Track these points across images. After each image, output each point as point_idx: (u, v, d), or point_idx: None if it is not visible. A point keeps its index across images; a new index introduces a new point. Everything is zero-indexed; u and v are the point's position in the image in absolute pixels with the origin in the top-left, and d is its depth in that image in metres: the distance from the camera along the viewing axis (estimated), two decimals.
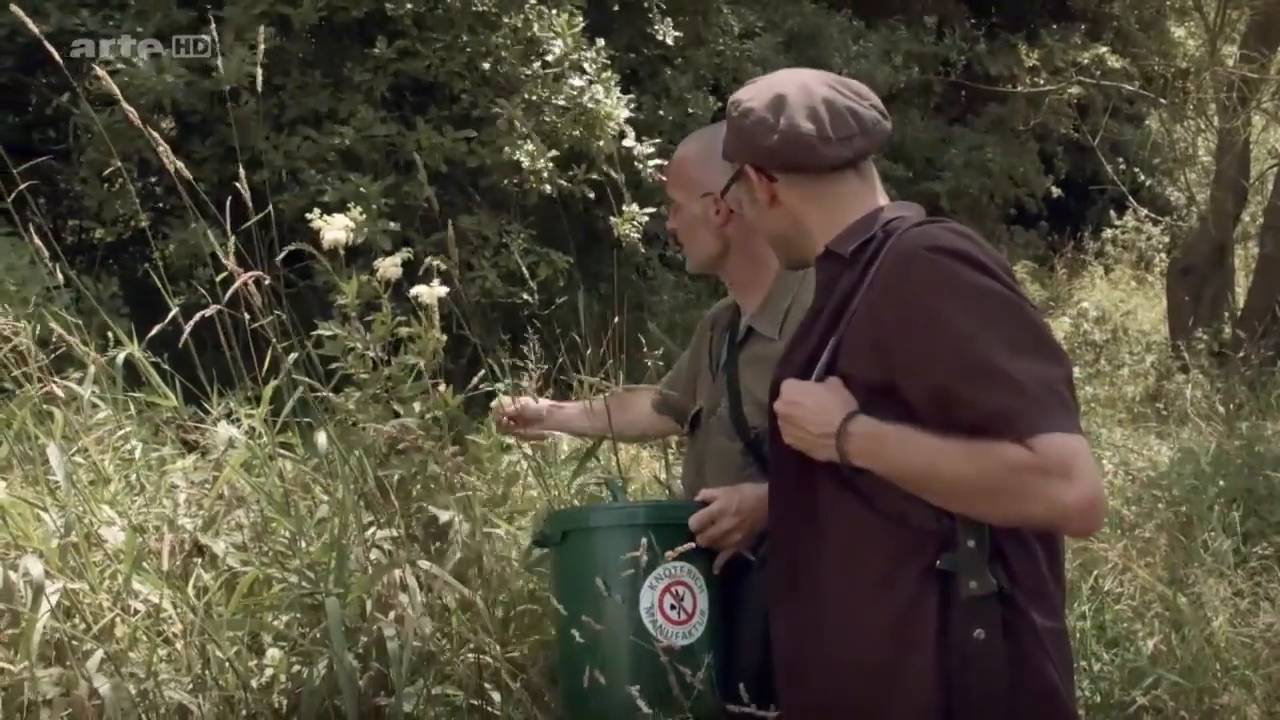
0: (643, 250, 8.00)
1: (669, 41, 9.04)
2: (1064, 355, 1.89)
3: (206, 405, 3.80)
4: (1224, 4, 9.89)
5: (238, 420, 3.71)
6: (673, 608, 2.40)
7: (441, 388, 3.43)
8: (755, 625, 2.37)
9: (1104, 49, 13.41)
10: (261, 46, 3.44)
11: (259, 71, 3.47)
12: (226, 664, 3.00)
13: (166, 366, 3.63)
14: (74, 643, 2.85)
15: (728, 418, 2.68)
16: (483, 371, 3.81)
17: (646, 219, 7.15)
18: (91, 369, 3.60)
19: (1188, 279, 10.98)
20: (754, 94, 2.16)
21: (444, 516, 3.24)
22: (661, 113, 9.08)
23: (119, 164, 3.80)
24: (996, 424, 1.80)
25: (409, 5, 7.12)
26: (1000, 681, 1.92)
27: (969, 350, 1.83)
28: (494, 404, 3.32)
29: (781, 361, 2.18)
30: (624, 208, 6.94)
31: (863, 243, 2.06)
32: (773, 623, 2.18)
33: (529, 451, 4.04)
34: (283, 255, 3.38)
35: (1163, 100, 12.70)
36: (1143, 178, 14.33)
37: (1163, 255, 14.44)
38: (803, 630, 2.09)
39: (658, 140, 8.16)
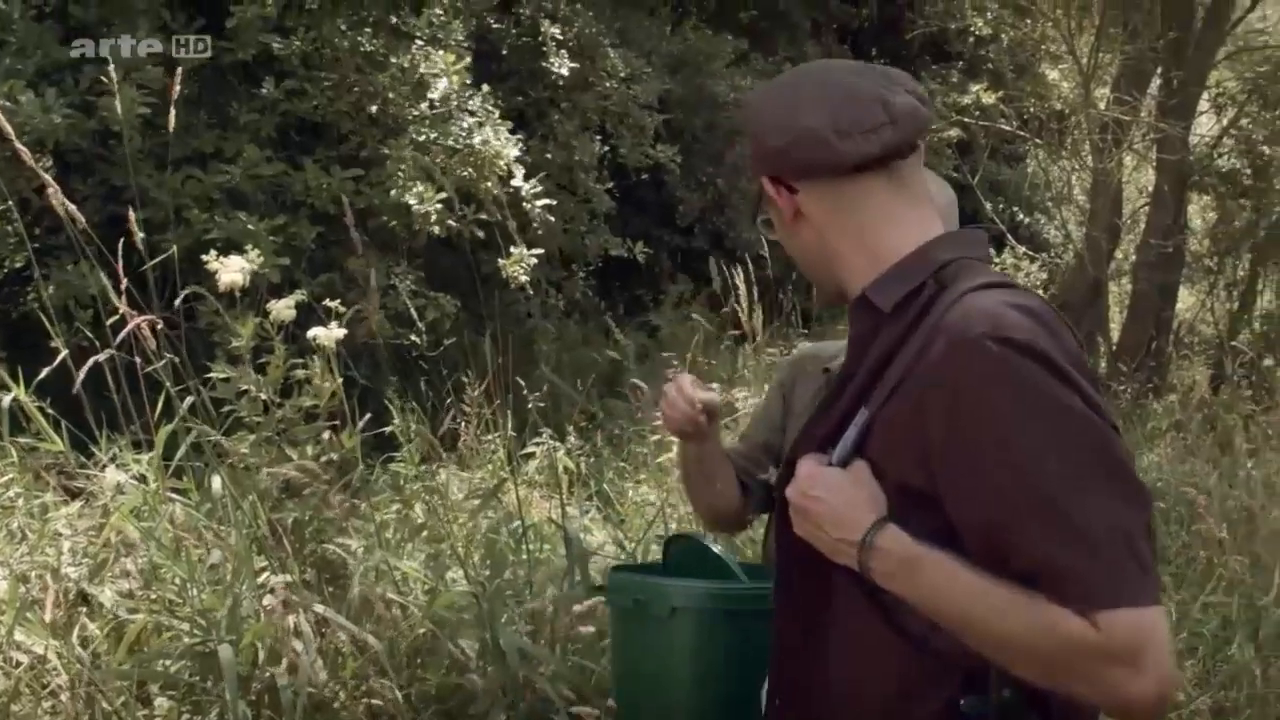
0: (529, 291, 8.00)
1: (565, 72, 9.09)
2: (1145, 493, 1.54)
3: (92, 450, 3.73)
4: (1096, 49, 10.19)
5: (126, 465, 3.65)
6: None
7: (335, 430, 3.41)
8: None
9: (979, 87, 13.73)
10: (178, 87, 3.41)
11: (172, 111, 3.44)
12: (113, 715, 2.94)
13: (50, 410, 3.55)
14: None
15: None
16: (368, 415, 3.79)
17: (534, 260, 7.18)
18: None
19: (1064, 313, 11.23)
20: (762, 95, 1.82)
21: (344, 555, 3.21)
22: (549, 155, 9.11)
23: (4, 204, 3.74)
24: (1057, 584, 1.47)
25: (296, 45, 7.08)
26: None
27: (1033, 483, 1.49)
28: (673, 385, 2.51)
29: (802, 434, 1.82)
30: (511, 249, 6.95)
31: (908, 294, 1.68)
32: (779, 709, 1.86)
33: (423, 493, 4.03)
34: (180, 297, 3.35)
35: (1039, 141, 13.02)
36: (1021, 216, 14.65)
37: (1040, 292, 14.77)
38: None
39: (544, 177, 8.19)
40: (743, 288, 6.94)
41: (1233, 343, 10.55)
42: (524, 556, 3.92)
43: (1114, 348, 11.07)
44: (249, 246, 4.75)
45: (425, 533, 3.93)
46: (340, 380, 3.44)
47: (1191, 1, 10.65)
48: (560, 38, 9.21)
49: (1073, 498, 1.48)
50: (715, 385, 6.75)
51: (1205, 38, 10.50)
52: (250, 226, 6.52)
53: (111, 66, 4.64)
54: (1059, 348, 1.57)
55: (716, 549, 2.36)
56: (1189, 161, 10.88)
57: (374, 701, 3.05)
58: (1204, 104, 11.82)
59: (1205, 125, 12.45)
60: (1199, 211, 13.68)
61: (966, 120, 11.54)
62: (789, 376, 2.68)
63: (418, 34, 7.70)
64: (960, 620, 1.55)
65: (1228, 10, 10.84)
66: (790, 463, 1.74)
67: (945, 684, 1.61)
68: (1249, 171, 11.82)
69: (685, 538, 2.48)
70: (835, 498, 1.64)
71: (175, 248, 3.68)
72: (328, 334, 3.39)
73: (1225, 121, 11.94)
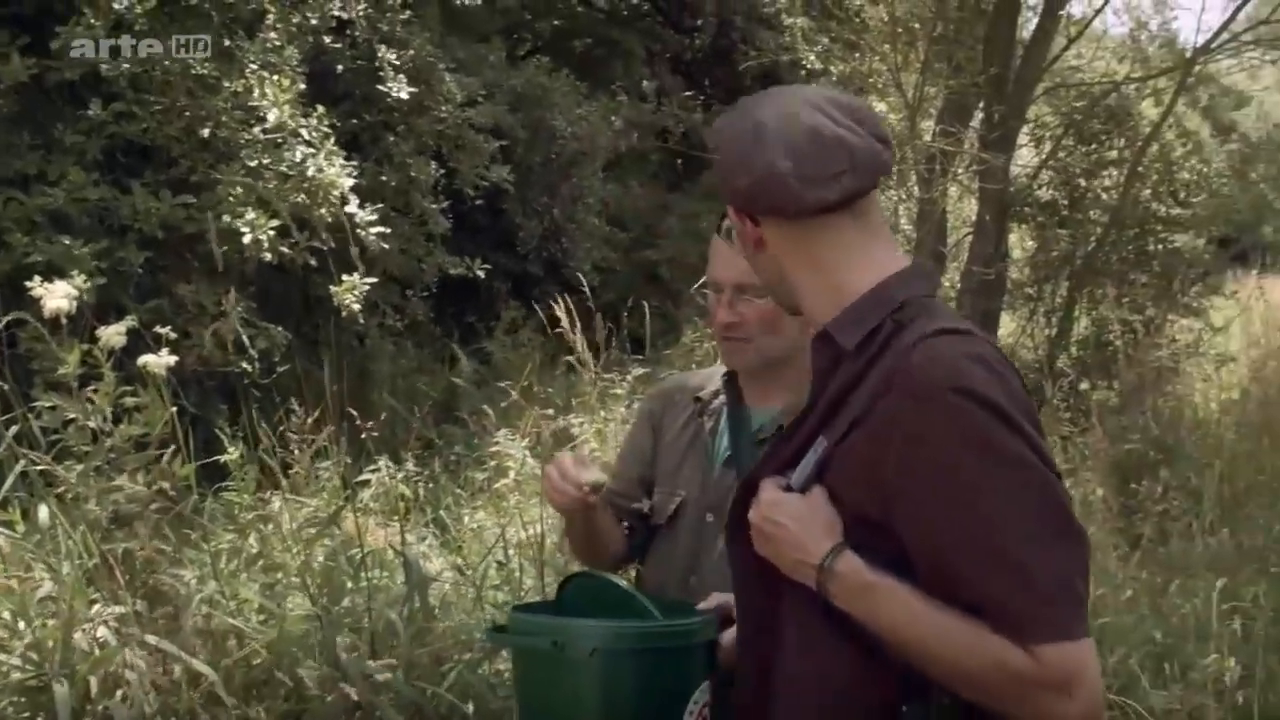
0: (361, 321, 7.93)
1: (404, 96, 9.03)
2: (1082, 533, 1.68)
3: None
4: (921, 84, 10.48)
5: None
6: None
7: (168, 458, 3.36)
8: None
9: None
10: None
11: None
12: None
13: None
14: None
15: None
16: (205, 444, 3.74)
17: (367, 288, 7.12)
18: None
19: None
20: (732, 123, 1.86)
21: (177, 585, 3.17)
22: (384, 178, 9.06)
23: None
24: (1000, 619, 1.61)
25: (125, 67, 6.94)
26: None
27: (984, 530, 1.63)
28: (554, 469, 2.51)
29: (765, 456, 1.96)
30: (344, 277, 6.88)
31: (868, 333, 1.78)
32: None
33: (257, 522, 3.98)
34: (2, 324, 3.27)
35: None
36: None
37: None
38: None
39: (380, 206, 8.13)
40: (564, 317, 6.95)
41: (1052, 367, 10.91)
42: (363, 584, 3.90)
43: None
44: (75, 272, 4.66)
45: (261, 561, 3.89)
46: (174, 409, 3.39)
47: (1012, 39, 11.01)
48: (397, 63, 9.15)
49: (1022, 547, 1.61)
50: (550, 411, 6.79)
51: (1025, 74, 10.87)
52: (75, 251, 6.36)
53: None
54: (1009, 397, 1.68)
55: (623, 584, 2.34)
56: (1010, 192, 11.23)
57: None
58: (1024, 137, 12.22)
59: (1025, 157, 12.86)
60: (1019, 240, 14.11)
61: None
62: (658, 407, 2.73)
63: (251, 60, 7.59)
64: (910, 643, 1.68)
65: (1046, 48, 11.23)
66: (749, 484, 1.86)
67: (885, 686, 1.73)
68: (1066, 202, 12.23)
69: (585, 575, 2.45)
70: (795, 523, 1.76)
71: None
72: (158, 361, 3.34)
73: (1044, 154, 12.35)
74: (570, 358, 7.41)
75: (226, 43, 7.53)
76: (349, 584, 3.96)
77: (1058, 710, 1.62)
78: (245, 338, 6.25)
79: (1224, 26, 10.68)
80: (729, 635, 2.21)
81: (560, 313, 6.76)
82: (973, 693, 1.68)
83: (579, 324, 6.85)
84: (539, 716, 2.25)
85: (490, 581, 4.62)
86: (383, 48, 9.10)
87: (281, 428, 5.47)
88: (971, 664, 1.64)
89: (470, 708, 3.59)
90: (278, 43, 7.83)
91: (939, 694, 1.71)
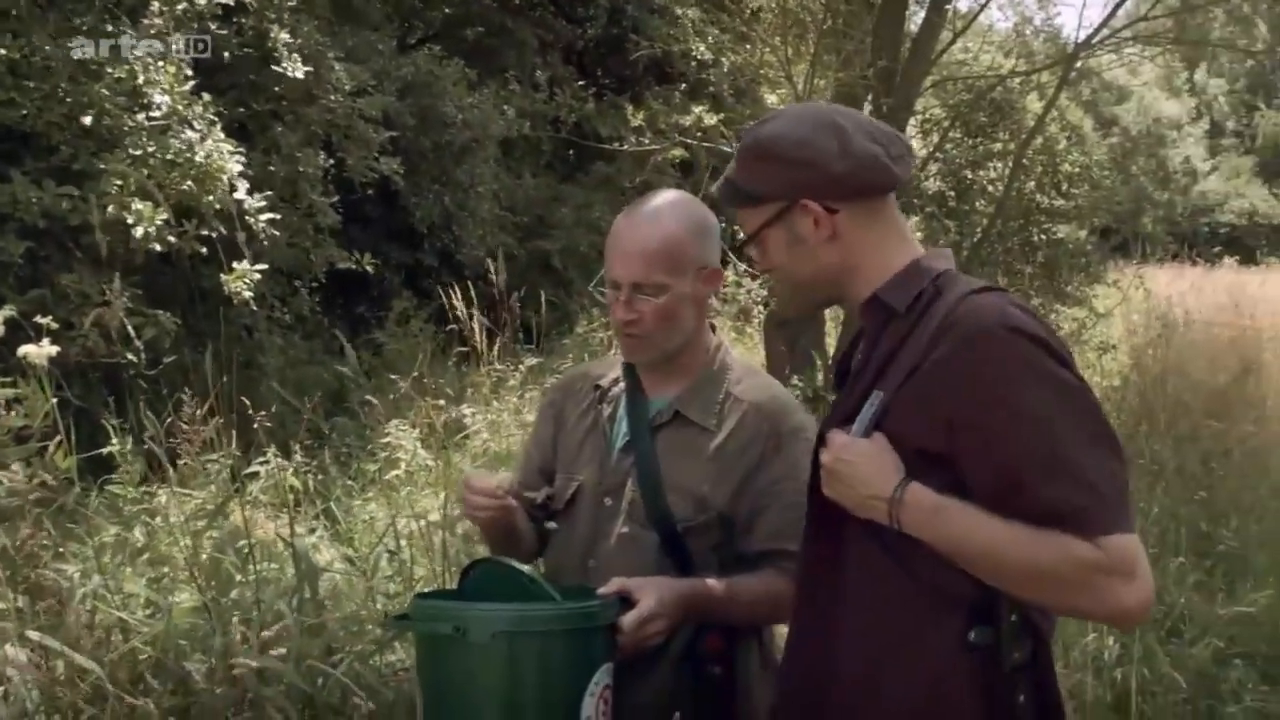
0: (254, 308, 7.83)
1: (300, 76, 8.86)
2: (1121, 445, 1.91)
3: None
4: (811, 76, 10.56)
5: None
6: (603, 714, 2.27)
7: (51, 449, 3.30)
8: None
9: (701, 108, 14.02)
10: None
11: None
12: None
13: None
14: None
15: (641, 505, 2.53)
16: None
17: (258, 276, 7.04)
18: None
19: (784, 330, 11.59)
20: (794, 127, 2.06)
21: (59, 580, 3.11)
22: (272, 168, 8.93)
23: None
24: (1067, 518, 1.82)
25: (3, 52, 6.78)
26: None
27: (1047, 442, 1.84)
28: (466, 490, 2.59)
29: (827, 417, 2.13)
30: (234, 265, 6.79)
31: (915, 297, 2.02)
32: (787, 671, 2.17)
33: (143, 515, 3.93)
34: None
35: None
36: (742, 235, 15.05)
37: (761, 308, 15.20)
38: (819, 685, 2.06)
39: (269, 194, 8.03)
40: (462, 306, 6.92)
41: None
42: (251, 576, 3.86)
43: (830, 360, 11.47)
44: None
45: (146, 555, 3.84)
46: (55, 401, 3.33)
47: (900, 32, 11.12)
48: (291, 40, 8.98)
49: (1079, 454, 1.83)
50: (442, 402, 6.75)
51: (912, 67, 10.98)
52: None
53: None
54: (1051, 335, 1.93)
55: (527, 570, 2.37)
56: None
57: None
58: (912, 129, 12.37)
59: (913, 149, 13.03)
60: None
61: (689, 141, 11.82)
62: (559, 398, 2.81)
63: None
64: (982, 557, 1.88)
65: (933, 42, 11.36)
66: (820, 436, 2.06)
67: (954, 618, 1.93)
68: (953, 193, 12.41)
69: (488, 561, 2.48)
70: (865, 462, 1.94)
71: None
72: (39, 351, 3.29)
73: (931, 146, 12.51)
74: (463, 348, 7.38)
75: (109, 28, 7.39)
76: (237, 576, 3.92)
77: (1120, 593, 1.81)
78: (130, 328, 6.14)
79: (1104, 22, 10.87)
80: (629, 619, 2.29)
81: (457, 300, 6.74)
82: (1043, 591, 1.86)
83: (474, 313, 6.82)
84: (442, 701, 2.27)
85: (382, 572, 4.60)
86: (275, 27, 8.93)
87: (169, 419, 5.39)
88: (1043, 561, 1.82)
89: (362, 698, 3.58)
90: (163, 28, 7.69)
91: (1005, 614, 1.90)
